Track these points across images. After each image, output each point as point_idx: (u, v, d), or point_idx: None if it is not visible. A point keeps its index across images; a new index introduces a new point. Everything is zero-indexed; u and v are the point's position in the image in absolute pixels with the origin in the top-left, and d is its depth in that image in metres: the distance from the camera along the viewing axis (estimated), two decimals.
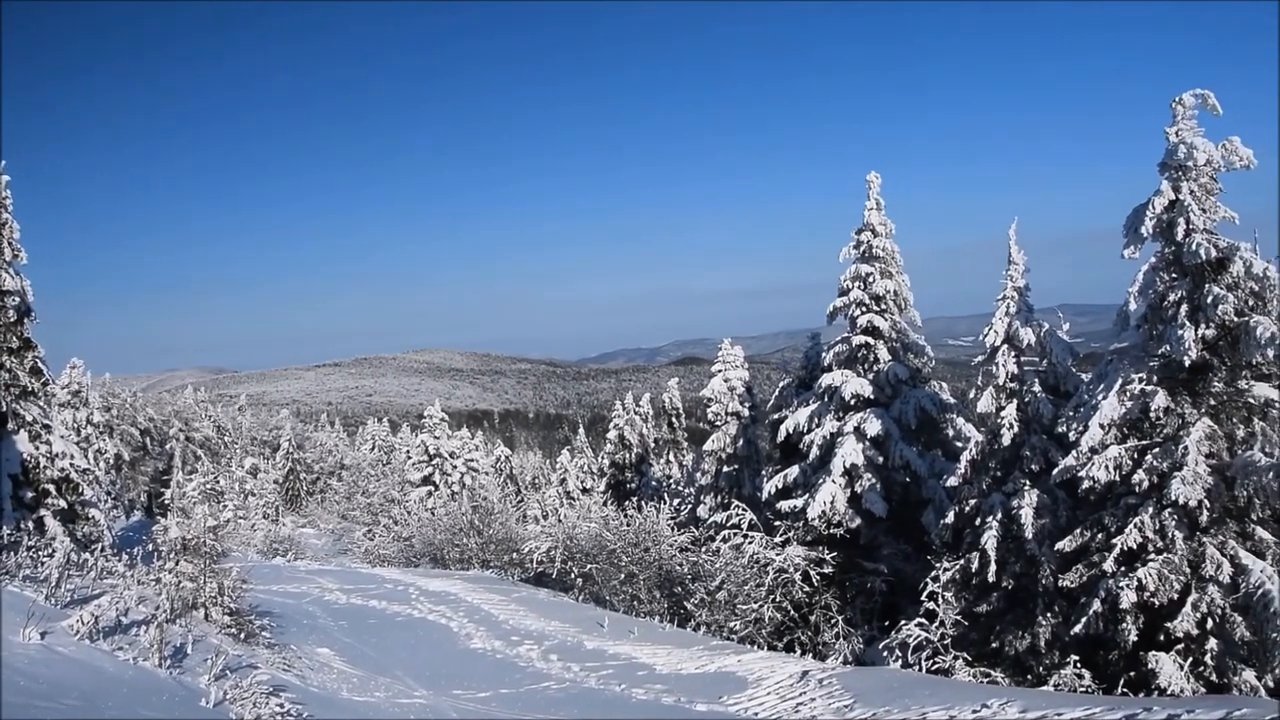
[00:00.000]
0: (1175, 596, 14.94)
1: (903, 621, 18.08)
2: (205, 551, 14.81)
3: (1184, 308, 15.50)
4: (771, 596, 20.94)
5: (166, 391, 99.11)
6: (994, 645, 18.12)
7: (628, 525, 23.38)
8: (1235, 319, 15.03)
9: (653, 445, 51.06)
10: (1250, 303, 15.22)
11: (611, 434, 49.43)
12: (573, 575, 23.98)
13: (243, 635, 14.48)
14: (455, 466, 47.56)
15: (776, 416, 26.12)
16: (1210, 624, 14.88)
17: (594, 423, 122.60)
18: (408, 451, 55.22)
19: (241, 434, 75.28)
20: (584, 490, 52.70)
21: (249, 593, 16.59)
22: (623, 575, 22.72)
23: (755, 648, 18.97)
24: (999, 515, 18.31)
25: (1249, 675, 14.52)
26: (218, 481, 48.99)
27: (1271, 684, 14.23)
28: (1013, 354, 19.07)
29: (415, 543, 33.32)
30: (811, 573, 21.18)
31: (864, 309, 23.01)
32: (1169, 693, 14.31)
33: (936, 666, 16.76)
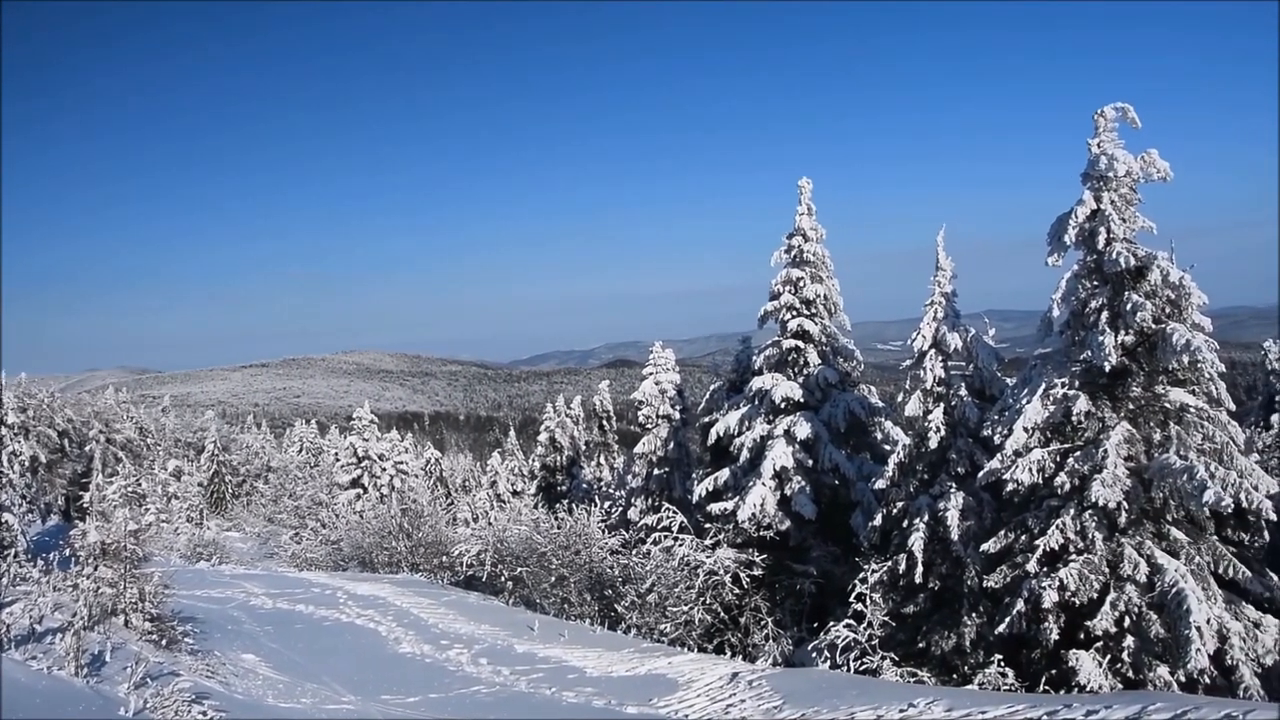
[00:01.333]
0: (1095, 596, 15.28)
1: (831, 623, 18.26)
2: (126, 556, 14.50)
3: (1105, 314, 15.87)
4: (702, 599, 21.02)
5: (86, 392, 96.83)
6: (920, 645, 18.37)
7: (558, 528, 23.33)
8: (1153, 326, 15.43)
9: (584, 448, 51.01)
10: (1167, 310, 15.64)
11: (542, 436, 49.31)
12: (503, 578, 23.87)
13: (164, 642, 14.20)
14: (384, 469, 47.00)
15: (707, 419, 26.20)
16: (1127, 622, 15.24)
17: (525, 425, 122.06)
18: (336, 454, 54.52)
19: (165, 435, 73.71)
20: (514, 493, 52.55)
21: (171, 598, 16.29)
22: (553, 578, 22.66)
23: (685, 650, 19.03)
24: (926, 517, 18.57)
25: (1163, 671, 14.90)
26: (139, 484, 47.88)
27: (1184, 679, 14.62)
28: (940, 359, 19.35)
29: (343, 546, 32.94)
30: (741, 575, 21.31)
31: (794, 313, 23.18)
32: (1088, 689, 14.63)
33: (864, 667, 16.96)
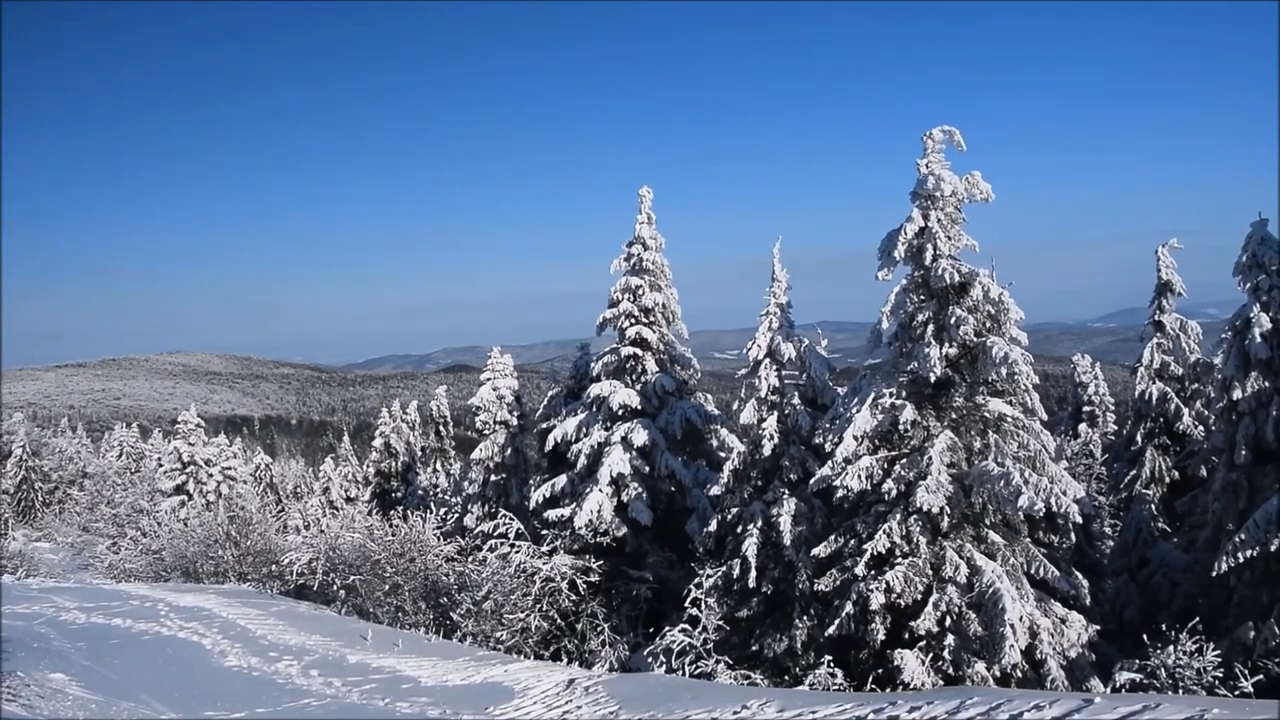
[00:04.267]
0: (919, 597, 15.90)
1: (667, 628, 18.48)
2: None
3: (930, 327, 16.54)
4: (538, 605, 20.97)
5: None
6: (754, 648, 18.76)
7: (393, 535, 22.92)
8: (975, 339, 16.18)
9: (420, 454, 50.32)
10: (987, 324, 16.42)
11: (378, 442, 48.42)
12: (335, 587, 23.28)
13: None
14: (211, 475, 45.23)
15: (545, 426, 26.19)
16: (949, 621, 15.92)
17: (360, 430, 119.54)
18: (159, 459, 52.27)
19: None
20: (348, 499, 51.43)
21: None
22: (387, 586, 22.24)
23: (522, 657, 18.96)
24: (759, 523, 18.95)
25: (980, 667, 15.63)
26: None
27: (999, 674, 15.36)
28: (774, 368, 19.77)
29: (166, 556, 31.52)
30: (578, 581, 21.36)
31: (633, 321, 23.36)
32: (912, 687, 15.19)
33: (699, 670, 17.21)
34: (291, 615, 21.49)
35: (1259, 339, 17.30)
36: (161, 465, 48.50)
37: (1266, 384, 17.62)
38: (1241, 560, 16.85)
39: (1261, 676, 14.88)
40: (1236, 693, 14.06)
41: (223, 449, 48.67)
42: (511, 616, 20.66)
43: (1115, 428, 35.10)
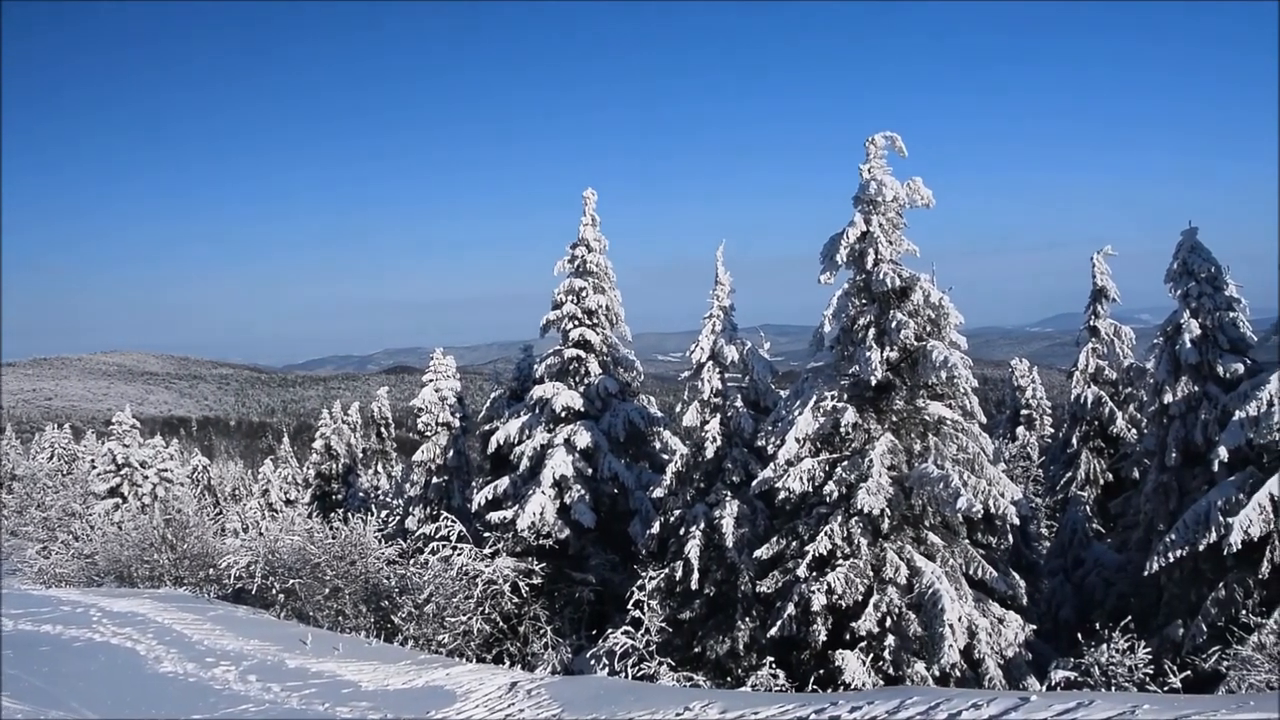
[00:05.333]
0: (860, 598, 16.05)
1: (610, 630, 18.46)
2: None
3: (872, 331, 16.71)
4: (480, 608, 20.87)
5: None
6: (696, 650, 18.82)
7: (333, 538, 22.68)
8: (915, 343, 16.37)
9: (361, 455, 49.86)
10: (928, 329, 16.62)
11: (318, 443, 47.85)
12: (274, 591, 22.99)
13: None
14: (146, 477, 44.38)
15: (488, 428, 26.09)
16: (889, 622, 16.08)
17: (300, 431, 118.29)
18: (93, 460, 51.19)
19: None
20: (288, 502, 50.76)
21: None
22: (328, 590, 22.00)
23: (464, 660, 18.84)
24: (702, 525, 19.02)
25: (920, 667, 15.80)
26: None
27: (938, 673, 15.55)
28: (717, 370, 19.86)
29: (99, 560, 30.92)
30: (521, 584, 21.28)
31: (576, 323, 23.35)
32: (853, 687, 15.32)
33: (642, 673, 17.23)
34: (229, 620, 21.18)
35: (1189, 344, 17.74)
36: (95, 467, 47.51)
37: (1196, 388, 18.07)
38: (1171, 560, 17.23)
39: (1189, 673, 15.26)
40: (1166, 688, 14.39)
41: (159, 450, 47.81)
42: (453, 620, 20.53)
43: (1052, 431, 35.66)
